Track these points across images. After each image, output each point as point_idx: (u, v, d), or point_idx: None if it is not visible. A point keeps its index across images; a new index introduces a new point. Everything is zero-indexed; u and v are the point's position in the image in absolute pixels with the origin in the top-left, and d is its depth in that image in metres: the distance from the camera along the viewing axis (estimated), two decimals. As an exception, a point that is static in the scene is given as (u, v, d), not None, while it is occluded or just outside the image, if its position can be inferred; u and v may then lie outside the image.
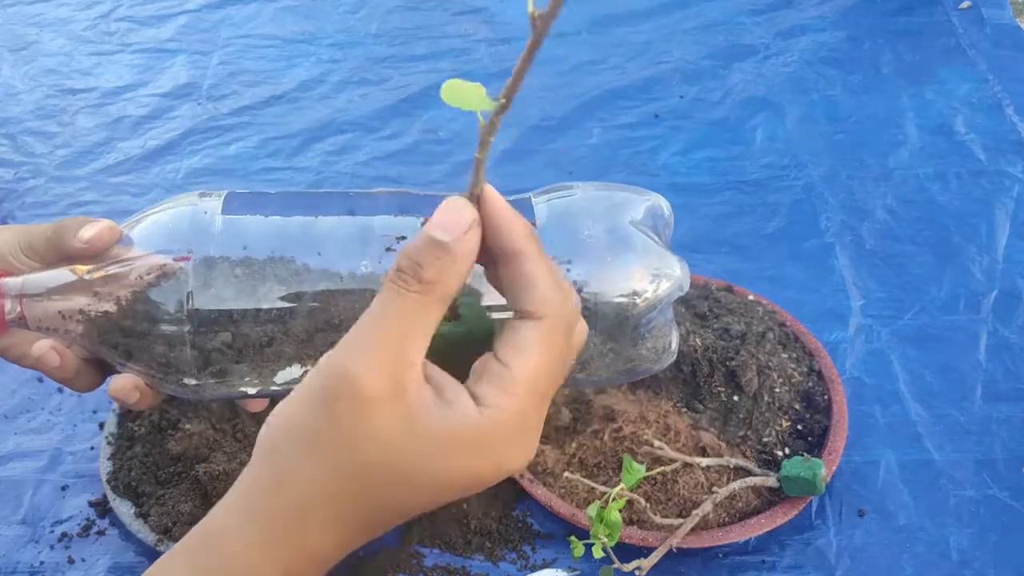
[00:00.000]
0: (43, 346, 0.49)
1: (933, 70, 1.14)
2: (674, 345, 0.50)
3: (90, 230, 0.46)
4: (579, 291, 0.45)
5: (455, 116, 1.13)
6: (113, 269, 0.46)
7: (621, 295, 0.45)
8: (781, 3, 1.26)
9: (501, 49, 1.21)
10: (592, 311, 0.45)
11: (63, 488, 0.77)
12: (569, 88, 1.15)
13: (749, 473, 0.71)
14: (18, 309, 0.46)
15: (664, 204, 0.50)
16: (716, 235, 0.96)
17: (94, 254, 0.47)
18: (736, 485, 0.70)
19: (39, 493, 0.76)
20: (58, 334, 0.47)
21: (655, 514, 0.68)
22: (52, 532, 0.74)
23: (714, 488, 0.70)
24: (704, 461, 0.70)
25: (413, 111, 1.13)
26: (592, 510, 0.61)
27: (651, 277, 0.46)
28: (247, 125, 1.13)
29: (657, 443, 0.70)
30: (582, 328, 0.40)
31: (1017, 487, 0.73)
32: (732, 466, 0.71)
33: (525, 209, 0.48)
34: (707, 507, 0.69)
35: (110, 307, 0.45)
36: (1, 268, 0.48)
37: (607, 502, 0.61)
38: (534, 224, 0.46)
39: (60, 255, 0.48)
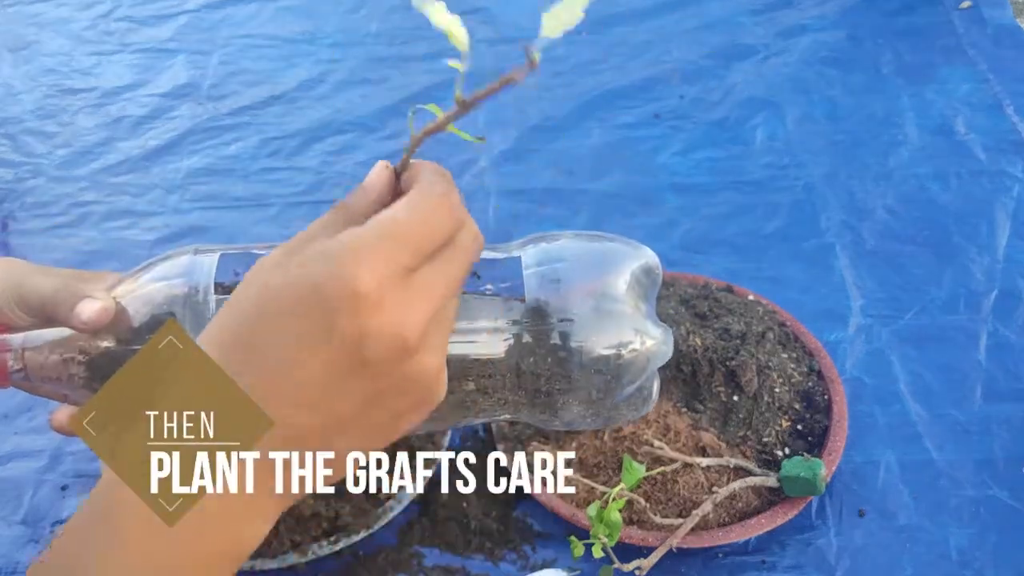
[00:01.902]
0: (60, 418, 0.50)
1: (933, 70, 1.14)
2: (655, 394, 0.50)
3: (87, 310, 0.47)
4: (567, 351, 0.46)
5: (455, 116, 1.13)
6: (111, 346, 0.47)
7: (605, 366, 0.47)
8: (781, 3, 1.26)
9: (501, 49, 1.21)
10: (579, 378, 0.47)
11: (63, 488, 0.77)
12: (569, 88, 1.15)
13: (749, 473, 0.71)
14: (21, 363, 0.48)
15: (652, 261, 0.51)
16: (716, 235, 0.96)
17: (91, 332, 0.47)
18: (736, 485, 0.70)
19: (39, 493, 0.76)
20: (61, 382, 0.48)
21: (655, 514, 0.68)
22: (52, 532, 0.74)
23: (714, 488, 0.70)
24: (704, 461, 0.70)
25: (413, 111, 1.13)
26: (592, 510, 0.61)
27: (635, 348, 0.47)
28: (247, 125, 1.13)
29: (657, 443, 0.70)
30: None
31: (1017, 487, 0.73)
32: (732, 466, 0.71)
33: (513, 267, 0.49)
34: (707, 507, 0.69)
35: (110, 344, 0.46)
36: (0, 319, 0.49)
37: (607, 502, 0.61)
38: (522, 299, 0.48)
39: (54, 324, 0.48)
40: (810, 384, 0.77)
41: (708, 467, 0.71)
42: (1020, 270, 0.90)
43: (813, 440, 0.75)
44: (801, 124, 1.08)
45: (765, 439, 0.74)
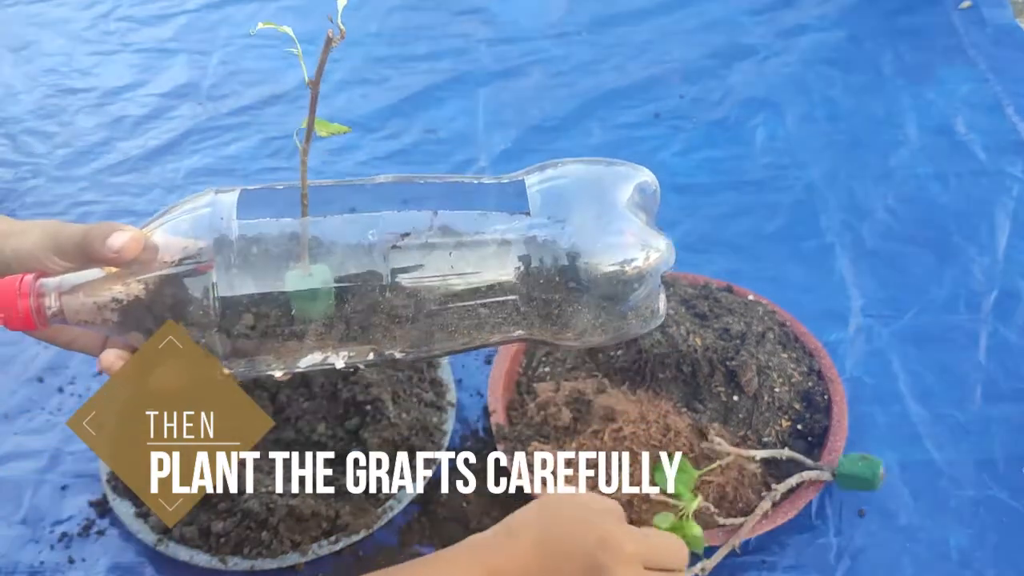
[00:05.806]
0: (110, 356, 0.51)
1: (933, 70, 1.14)
2: (662, 309, 0.54)
3: (119, 239, 0.48)
4: (574, 264, 0.50)
5: (455, 116, 1.13)
6: (141, 277, 0.49)
7: (611, 269, 0.50)
8: (781, 3, 1.26)
9: (501, 49, 1.21)
10: (586, 284, 0.50)
11: (63, 488, 0.77)
12: (569, 88, 1.15)
13: (802, 466, 0.71)
14: (57, 305, 0.49)
15: (651, 179, 0.54)
16: (716, 235, 0.96)
17: (123, 262, 0.49)
18: (793, 480, 0.70)
19: (39, 493, 0.76)
20: (95, 325, 0.50)
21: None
22: (52, 532, 0.74)
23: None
24: (759, 454, 0.70)
25: (413, 111, 1.13)
26: (663, 522, 0.61)
27: (639, 252, 0.51)
28: (247, 125, 1.13)
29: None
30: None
31: (1017, 487, 0.73)
32: (784, 458, 0.72)
33: (519, 191, 0.53)
34: (766, 504, 0.69)
35: (141, 293, 0.49)
36: (37, 268, 0.50)
37: (682, 516, 0.61)
38: (527, 212, 0.51)
39: (89, 261, 0.50)
40: (810, 384, 0.77)
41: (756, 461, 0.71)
42: (1020, 270, 0.90)
43: (813, 440, 0.75)
44: (801, 124, 1.08)
45: (765, 439, 0.74)
